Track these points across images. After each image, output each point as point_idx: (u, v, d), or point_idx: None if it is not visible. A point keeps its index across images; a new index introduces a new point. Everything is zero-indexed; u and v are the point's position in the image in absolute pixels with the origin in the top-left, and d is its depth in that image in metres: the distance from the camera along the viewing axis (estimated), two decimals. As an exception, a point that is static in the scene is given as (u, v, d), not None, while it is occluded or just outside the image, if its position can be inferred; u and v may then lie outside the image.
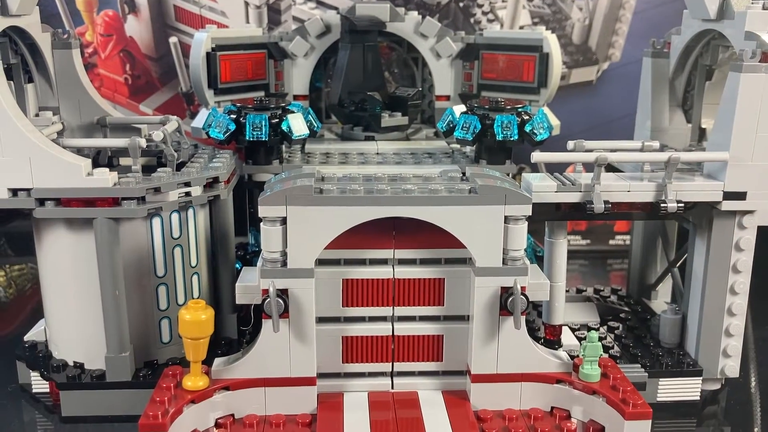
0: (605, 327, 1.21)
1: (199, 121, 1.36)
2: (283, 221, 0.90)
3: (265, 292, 0.90)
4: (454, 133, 1.16)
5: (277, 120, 1.14)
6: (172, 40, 1.76)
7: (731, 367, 1.09)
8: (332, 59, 1.47)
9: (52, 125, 1.16)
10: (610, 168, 1.17)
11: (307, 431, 0.91)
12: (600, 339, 1.11)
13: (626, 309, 1.28)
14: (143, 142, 1.04)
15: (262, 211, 0.89)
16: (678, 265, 1.24)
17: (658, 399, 1.08)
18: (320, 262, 0.93)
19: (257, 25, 1.70)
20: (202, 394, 0.91)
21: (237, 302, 0.94)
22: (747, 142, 1.00)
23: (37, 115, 1.16)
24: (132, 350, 1.02)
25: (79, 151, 1.10)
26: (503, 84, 1.44)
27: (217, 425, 0.93)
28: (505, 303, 0.93)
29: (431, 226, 0.91)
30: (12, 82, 1.10)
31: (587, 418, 0.94)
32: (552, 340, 1.11)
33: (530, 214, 0.92)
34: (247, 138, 1.13)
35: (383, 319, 0.98)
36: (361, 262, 0.97)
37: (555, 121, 1.38)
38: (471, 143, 1.16)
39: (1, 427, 1.03)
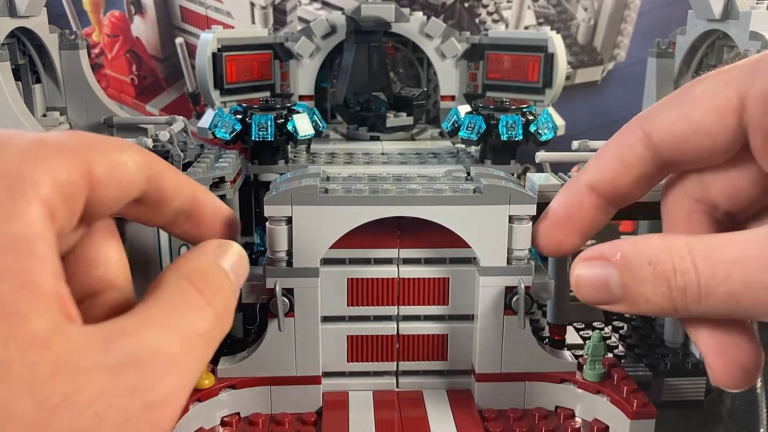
0: (610, 327, 1.21)
1: (205, 121, 1.37)
2: (289, 221, 0.90)
3: (271, 291, 0.90)
4: (459, 133, 1.17)
5: (282, 120, 1.14)
6: (178, 40, 1.77)
7: (736, 367, 1.09)
8: (337, 60, 1.48)
9: (60, 125, 1.16)
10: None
11: (313, 430, 0.91)
12: (604, 339, 1.11)
13: (631, 309, 1.28)
14: (150, 142, 1.05)
15: (268, 210, 0.90)
16: (683, 265, 1.24)
17: (663, 398, 1.08)
18: (325, 262, 0.94)
19: (263, 26, 1.71)
20: (208, 392, 0.92)
21: (243, 301, 0.95)
22: (752, 142, 1.00)
23: (44, 115, 1.17)
24: (138, 349, 1.03)
25: (86, 151, 1.10)
26: (508, 84, 1.44)
27: (222, 423, 0.93)
28: (509, 302, 0.93)
29: (436, 225, 0.92)
30: (20, 83, 1.10)
31: (591, 418, 0.94)
32: (556, 340, 1.11)
33: (535, 213, 0.92)
34: (253, 138, 1.13)
35: (388, 318, 0.99)
36: (366, 262, 0.97)
37: (560, 121, 1.39)
38: (476, 143, 1.17)
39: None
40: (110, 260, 0.61)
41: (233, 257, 0.61)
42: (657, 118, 0.67)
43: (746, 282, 0.58)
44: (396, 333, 0.98)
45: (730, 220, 0.70)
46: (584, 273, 0.65)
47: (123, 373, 0.47)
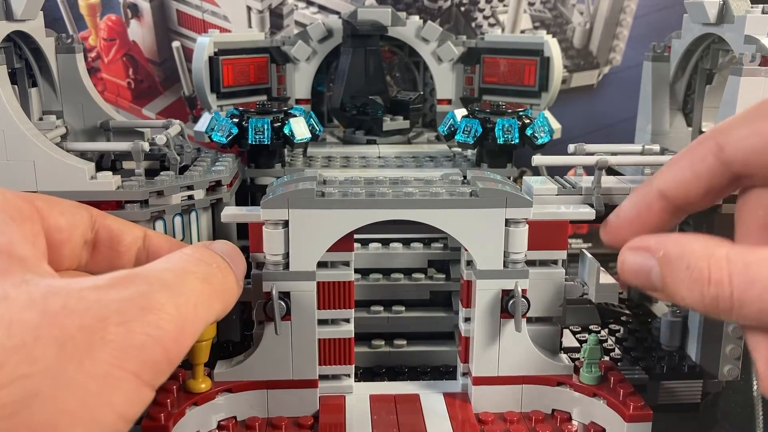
0: (606, 330, 1.21)
1: (201, 125, 1.37)
2: (285, 224, 0.90)
3: (267, 294, 0.90)
4: (456, 137, 1.17)
5: (279, 124, 1.15)
6: (175, 44, 1.77)
7: (732, 370, 1.09)
8: (334, 63, 1.48)
9: (56, 129, 1.16)
10: (611, 171, 1.17)
11: (309, 433, 0.91)
12: (601, 342, 1.11)
13: (627, 312, 1.28)
14: (146, 146, 1.05)
15: (265, 214, 0.90)
16: (679, 268, 1.24)
17: (659, 401, 1.08)
18: (320, 265, 0.94)
19: (259, 30, 1.71)
20: (204, 396, 0.92)
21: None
22: (747, 145, 1.00)
23: (41, 119, 1.17)
24: (135, 353, 1.03)
25: (82, 154, 1.10)
26: (504, 88, 1.45)
27: (219, 427, 0.93)
28: (506, 305, 0.93)
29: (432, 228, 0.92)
30: (16, 87, 1.10)
31: (588, 420, 0.94)
32: (553, 343, 1.11)
33: (531, 217, 0.92)
34: (250, 142, 1.13)
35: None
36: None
37: (556, 125, 1.39)
38: (472, 147, 1.17)
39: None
40: None
41: (220, 245, 0.73)
42: (731, 132, 0.69)
43: None
44: (353, 335, 0.97)
45: None
46: (630, 260, 0.70)
47: (115, 288, 0.56)
